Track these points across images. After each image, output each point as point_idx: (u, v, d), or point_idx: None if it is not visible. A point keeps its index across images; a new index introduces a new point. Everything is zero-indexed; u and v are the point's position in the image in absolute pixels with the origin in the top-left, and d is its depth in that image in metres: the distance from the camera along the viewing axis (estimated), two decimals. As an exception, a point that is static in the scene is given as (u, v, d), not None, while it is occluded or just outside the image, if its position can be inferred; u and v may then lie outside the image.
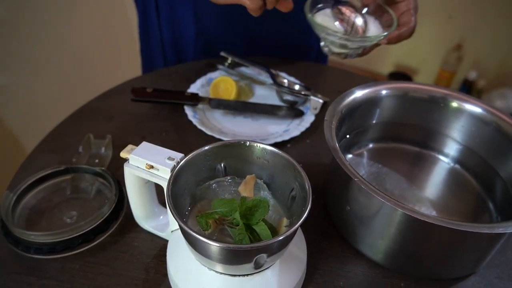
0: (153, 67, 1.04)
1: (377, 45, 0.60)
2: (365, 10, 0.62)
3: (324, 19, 0.59)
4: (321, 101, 0.78)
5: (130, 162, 0.49)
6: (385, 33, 0.57)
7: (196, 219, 0.45)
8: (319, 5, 0.61)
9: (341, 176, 0.53)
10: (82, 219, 0.54)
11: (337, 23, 0.59)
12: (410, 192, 0.63)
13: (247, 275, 0.45)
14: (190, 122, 0.75)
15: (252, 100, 0.85)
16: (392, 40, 0.59)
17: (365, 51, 0.61)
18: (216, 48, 0.88)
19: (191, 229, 0.38)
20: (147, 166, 0.47)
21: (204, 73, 0.88)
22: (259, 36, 0.96)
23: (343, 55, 0.61)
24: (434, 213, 0.60)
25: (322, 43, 0.61)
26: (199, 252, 0.41)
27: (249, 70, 0.89)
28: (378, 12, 0.61)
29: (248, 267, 0.41)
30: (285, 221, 0.47)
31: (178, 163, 0.46)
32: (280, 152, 0.48)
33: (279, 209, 0.49)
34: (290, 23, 0.87)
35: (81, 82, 1.46)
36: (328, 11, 0.60)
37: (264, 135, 0.75)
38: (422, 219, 0.43)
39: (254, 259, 0.40)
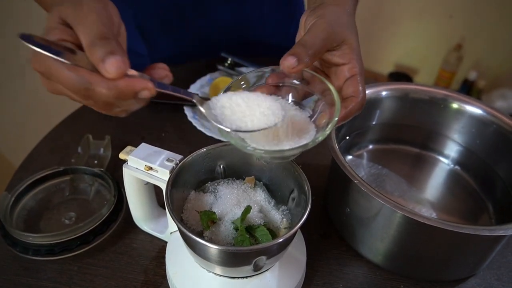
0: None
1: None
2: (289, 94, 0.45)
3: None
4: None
5: (129, 164, 0.48)
6: (308, 142, 0.39)
7: (199, 215, 0.45)
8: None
9: (341, 178, 0.53)
10: (81, 221, 0.53)
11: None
12: (410, 193, 0.62)
13: (246, 277, 0.45)
14: (190, 123, 0.75)
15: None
16: (338, 123, 0.42)
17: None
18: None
19: (190, 231, 0.38)
20: (146, 167, 0.47)
21: (204, 74, 0.88)
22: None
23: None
24: (434, 214, 0.59)
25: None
26: (198, 254, 0.41)
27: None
28: (310, 83, 0.44)
29: (247, 269, 0.41)
30: (284, 223, 0.47)
31: (177, 164, 0.46)
32: (279, 153, 0.47)
33: (279, 211, 0.49)
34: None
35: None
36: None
37: (264, 136, 0.75)
38: (422, 221, 0.43)
39: (253, 262, 0.40)
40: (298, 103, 0.44)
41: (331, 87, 0.41)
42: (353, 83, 0.43)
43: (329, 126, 0.39)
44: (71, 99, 0.37)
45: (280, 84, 0.45)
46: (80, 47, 0.34)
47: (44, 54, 0.33)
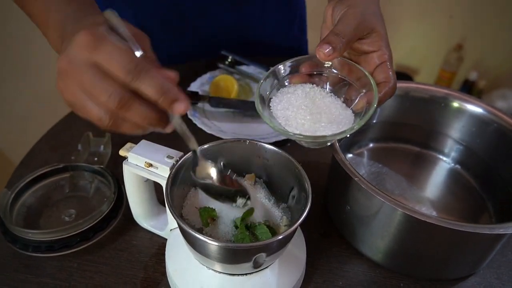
0: None
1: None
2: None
3: (277, 110, 0.45)
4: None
5: (129, 160, 0.48)
6: (354, 126, 0.41)
7: (199, 211, 0.45)
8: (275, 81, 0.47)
9: (341, 176, 0.53)
10: (81, 217, 0.53)
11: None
12: (410, 192, 0.62)
13: (246, 274, 0.45)
14: (190, 120, 0.75)
15: (252, 99, 0.85)
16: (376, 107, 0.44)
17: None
18: None
19: (190, 228, 0.38)
20: (146, 164, 0.47)
21: (205, 72, 0.88)
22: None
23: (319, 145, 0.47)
24: (434, 213, 0.59)
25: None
26: (198, 251, 0.41)
27: (249, 69, 0.89)
28: (344, 71, 0.46)
29: (247, 266, 0.41)
30: (284, 221, 0.47)
31: (177, 161, 0.46)
32: (280, 151, 0.47)
33: (279, 208, 0.49)
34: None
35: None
36: (284, 90, 0.46)
37: (264, 133, 0.75)
38: (422, 219, 0.43)
39: (253, 259, 0.40)
40: (333, 90, 0.47)
41: (367, 74, 0.44)
42: (384, 69, 0.45)
43: (369, 112, 0.41)
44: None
45: (314, 73, 0.47)
46: None
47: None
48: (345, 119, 0.44)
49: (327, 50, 0.42)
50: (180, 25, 0.90)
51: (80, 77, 0.34)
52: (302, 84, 0.47)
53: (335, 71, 0.47)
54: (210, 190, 0.46)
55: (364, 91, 0.44)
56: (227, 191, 0.47)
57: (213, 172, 0.45)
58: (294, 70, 0.47)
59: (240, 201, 0.47)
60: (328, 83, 0.47)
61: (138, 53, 0.34)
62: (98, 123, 0.36)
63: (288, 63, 0.47)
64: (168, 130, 0.39)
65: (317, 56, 0.43)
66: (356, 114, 0.44)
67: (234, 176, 0.47)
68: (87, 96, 0.35)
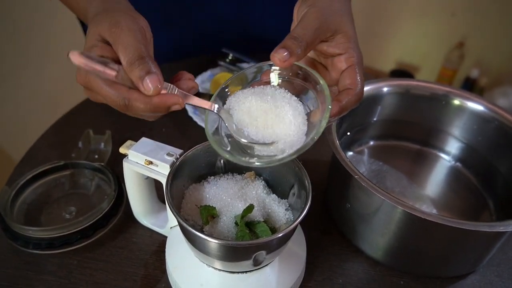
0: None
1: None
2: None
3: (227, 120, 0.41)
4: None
5: (129, 158, 0.48)
6: (304, 147, 0.37)
7: (199, 210, 0.45)
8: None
9: (341, 173, 0.53)
10: (81, 215, 0.53)
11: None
12: (411, 190, 0.62)
13: (246, 272, 0.45)
14: (190, 118, 0.75)
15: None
16: (332, 118, 0.40)
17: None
18: None
19: (190, 226, 0.38)
20: (146, 162, 0.47)
21: (205, 69, 0.87)
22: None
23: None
24: (434, 211, 0.59)
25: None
26: (198, 248, 0.41)
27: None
28: (306, 78, 0.41)
29: (247, 264, 0.41)
30: (284, 218, 0.46)
31: (177, 159, 0.46)
32: (280, 148, 0.47)
33: (279, 206, 0.48)
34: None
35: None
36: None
37: (265, 131, 0.74)
38: (422, 217, 0.43)
39: (253, 256, 0.40)
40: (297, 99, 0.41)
41: (321, 80, 0.38)
42: (351, 73, 0.41)
43: (319, 129, 0.36)
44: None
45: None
46: (118, 61, 0.37)
47: (86, 70, 0.36)
48: (298, 129, 0.39)
49: (283, 54, 0.38)
50: (181, 19, 0.90)
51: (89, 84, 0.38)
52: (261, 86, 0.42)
53: (297, 79, 0.41)
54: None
55: (320, 100, 0.39)
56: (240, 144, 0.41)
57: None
58: (257, 77, 0.43)
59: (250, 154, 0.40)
60: (288, 91, 0.41)
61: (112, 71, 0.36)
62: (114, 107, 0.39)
63: (251, 69, 0.43)
64: (181, 106, 0.38)
65: (273, 61, 0.39)
66: (313, 126, 0.39)
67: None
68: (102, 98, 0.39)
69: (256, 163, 0.38)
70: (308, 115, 0.40)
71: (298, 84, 0.42)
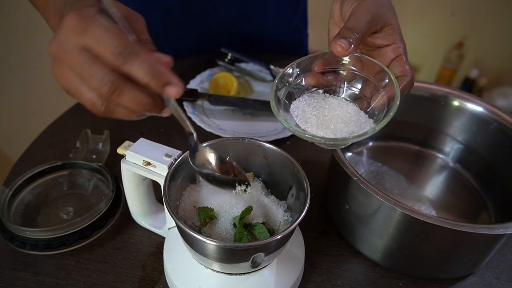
0: None
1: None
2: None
3: (295, 111, 0.44)
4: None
5: (127, 159, 0.48)
6: (374, 127, 0.40)
7: (197, 211, 0.45)
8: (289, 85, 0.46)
9: (340, 175, 0.53)
10: (79, 215, 0.53)
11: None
12: (410, 191, 0.62)
13: (244, 274, 0.45)
14: (189, 118, 0.74)
15: (252, 96, 0.84)
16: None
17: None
18: None
19: (188, 227, 0.38)
20: (144, 162, 0.47)
21: (204, 69, 0.87)
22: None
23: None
24: (433, 212, 0.59)
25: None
26: (196, 250, 0.41)
27: (249, 67, 0.89)
28: (357, 67, 0.45)
29: (245, 266, 0.41)
30: (283, 220, 0.46)
31: (175, 160, 0.46)
32: (279, 149, 0.47)
33: (277, 207, 0.48)
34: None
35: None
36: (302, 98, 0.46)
37: (263, 132, 0.74)
38: (421, 219, 0.43)
39: (251, 258, 0.40)
40: (349, 87, 0.46)
41: (386, 69, 0.42)
42: (400, 63, 0.44)
43: (393, 108, 0.40)
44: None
45: (327, 70, 0.46)
46: None
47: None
48: (362, 118, 0.43)
49: (345, 44, 0.40)
50: (182, 17, 0.90)
51: (71, 61, 0.33)
52: (318, 91, 0.46)
53: (353, 68, 0.45)
54: (209, 178, 0.44)
55: (383, 86, 0.43)
56: (227, 180, 0.44)
57: (212, 158, 0.44)
58: (306, 69, 0.46)
59: (239, 188, 0.44)
60: (344, 80, 0.46)
61: (129, 36, 0.34)
62: (91, 108, 0.35)
63: (297, 63, 0.45)
64: (165, 114, 0.38)
65: (334, 51, 0.41)
66: (371, 115, 0.43)
67: (234, 163, 0.45)
68: (80, 81, 0.34)
69: (317, 139, 0.40)
70: (360, 100, 0.45)
71: (351, 73, 0.46)
